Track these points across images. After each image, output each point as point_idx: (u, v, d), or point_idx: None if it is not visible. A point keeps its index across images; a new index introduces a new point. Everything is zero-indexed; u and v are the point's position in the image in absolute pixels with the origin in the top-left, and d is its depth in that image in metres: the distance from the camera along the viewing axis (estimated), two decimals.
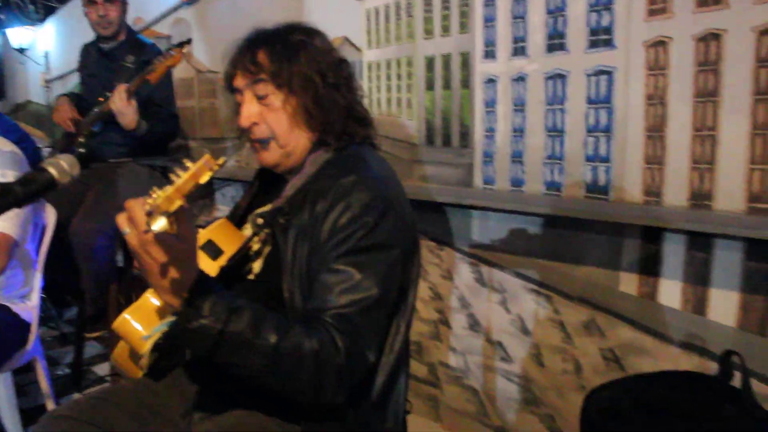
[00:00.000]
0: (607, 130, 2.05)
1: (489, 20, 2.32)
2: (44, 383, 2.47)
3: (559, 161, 2.19)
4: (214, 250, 1.45)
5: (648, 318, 2.06)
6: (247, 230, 1.56)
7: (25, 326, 2.28)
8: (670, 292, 2.00)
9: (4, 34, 6.12)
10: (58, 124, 3.25)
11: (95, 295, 3.01)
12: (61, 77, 5.86)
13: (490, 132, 2.38)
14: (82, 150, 3.17)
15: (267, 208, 1.52)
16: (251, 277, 1.48)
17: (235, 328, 1.17)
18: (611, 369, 2.17)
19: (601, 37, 2.03)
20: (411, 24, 2.61)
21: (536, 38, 2.19)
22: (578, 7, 2.07)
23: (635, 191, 2.01)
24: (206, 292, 1.16)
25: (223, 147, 3.96)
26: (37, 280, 2.39)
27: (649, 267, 2.04)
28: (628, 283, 2.10)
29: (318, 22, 3.05)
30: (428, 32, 2.55)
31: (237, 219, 1.62)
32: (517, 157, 2.31)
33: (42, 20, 5.98)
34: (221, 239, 1.48)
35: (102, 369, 3.47)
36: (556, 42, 2.14)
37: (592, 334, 2.22)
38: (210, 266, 1.42)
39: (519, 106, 2.28)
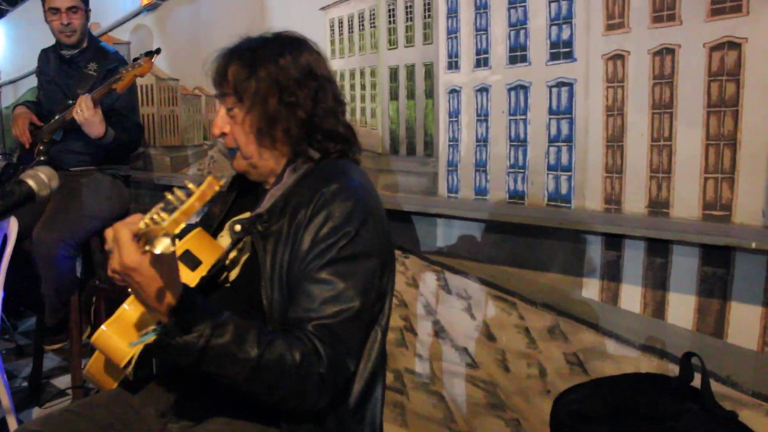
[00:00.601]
0: (569, 140, 2.12)
1: (452, 32, 2.38)
2: (5, 398, 2.44)
3: (521, 170, 2.26)
4: (192, 261, 1.45)
5: (610, 322, 2.13)
6: (224, 239, 1.58)
7: None
8: (631, 296, 2.07)
9: None
10: (16, 136, 3.19)
11: (56, 306, 2.96)
12: (11, 82, 5.74)
13: (453, 141, 2.43)
14: (42, 158, 3.12)
15: (245, 215, 1.54)
16: (227, 285, 1.51)
17: (220, 341, 1.20)
18: (575, 373, 2.24)
19: (561, 50, 2.10)
20: (375, 34, 2.66)
21: (498, 50, 2.26)
22: (539, 21, 2.14)
23: (596, 199, 2.08)
24: (190, 306, 1.19)
25: (184, 155, 3.94)
26: None
27: (611, 273, 2.12)
28: (591, 288, 2.17)
29: (280, 27, 3.12)
30: (392, 43, 2.60)
31: (212, 227, 1.64)
32: (480, 167, 2.36)
33: None
34: (199, 249, 1.49)
35: (62, 382, 3.43)
36: (518, 54, 2.21)
37: (556, 339, 2.29)
38: (189, 277, 1.43)
39: (482, 116, 2.33)
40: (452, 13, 2.37)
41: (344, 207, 1.37)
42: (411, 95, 2.56)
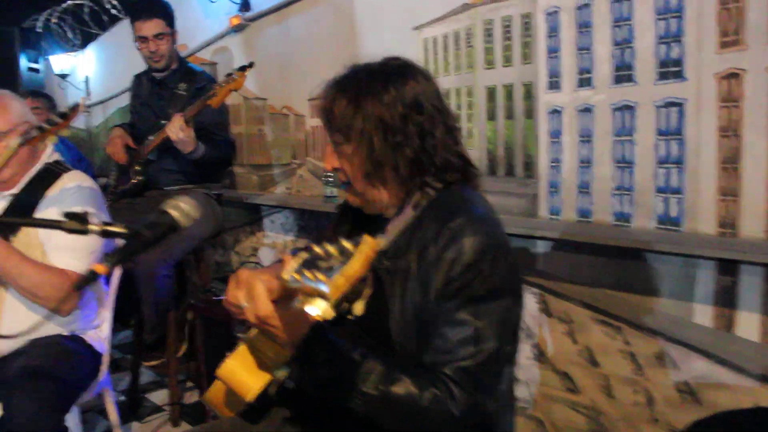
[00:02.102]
0: (679, 161, 2.10)
1: (553, 51, 2.39)
2: (114, 414, 2.55)
3: (628, 192, 2.25)
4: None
5: (724, 350, 2.09)
6: None
7: (98, 357, 2.36)
8: (748, 324, 2.03)
9: (46, 60, 6.32)
10: (111, 156, 3.35)
11: (155, 324, 3.09)
12: (101, 102, 6.03)
13: (555, 162, 2.44)
14: (139, 178, 3.27)
15: None
16: (350, 317, 1.51)
17: (345, 376, 1.25)
18: (686, 402, 2.21)
19: (670, 69, 2.09)
20: (471, 54, 2.69)
21: (602, 70, 2.26)
22: (646, 39, 2.13)
23: (709, 222, 2.06)
24: (322, 342, 1.25)
25: (271, 174, 4.07)
26: (109, 311, 2.47)
27: (725, 299, 2.08)
28: (703, 314, 2.14)
29: (371, 50, 3.18)
30: (489, 62, 2.63)
31: None
32: (584, 188, 2.36)
33: (82, 47, 6.17)
34: None
35: (156, 397, 3.56)
36: (623, 73, 2.20)
37: (665, 366, 2.26)
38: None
39: (585, 137, 2.34)
40: (553, 32, 2.38)
41: (474, 243, 1.33)
42: (510, 115, 2.58)
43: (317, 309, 0.97)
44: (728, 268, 2.06)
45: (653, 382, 2.30)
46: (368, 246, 1.00)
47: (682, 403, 2.22)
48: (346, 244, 1.01)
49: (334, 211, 3.11)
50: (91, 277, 1.10)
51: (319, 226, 3.74)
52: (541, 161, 2.49)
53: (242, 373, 1.43)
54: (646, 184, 2.19)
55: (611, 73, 2.24)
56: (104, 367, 2.40)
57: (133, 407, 3.42)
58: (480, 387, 1.31)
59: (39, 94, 4.20)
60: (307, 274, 0.99)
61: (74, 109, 2.07)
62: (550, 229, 2.46)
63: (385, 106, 1.42)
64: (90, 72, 6.24)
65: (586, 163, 2.35)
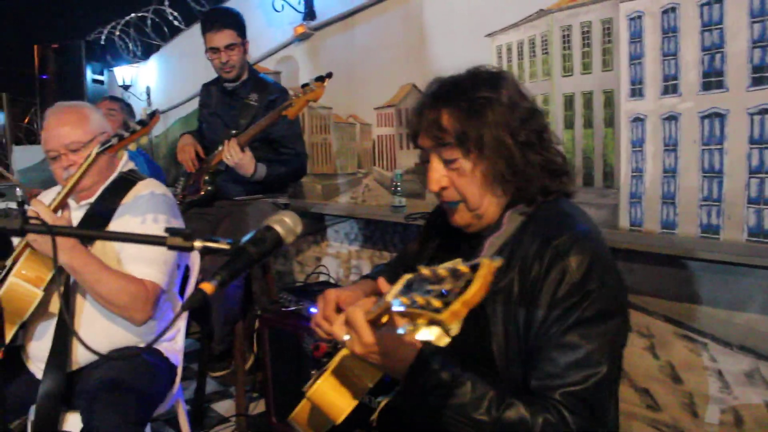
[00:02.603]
0: None
1: (636, 57, 2.34)
2: (185, 426, 2.58)
3: (716, 203, 2.18)
4: None
5: None
6: None
7: (173, 369, 2.38)
8: None
9: (110, 71, 6.49)
10: (182, 163, 3.39)
11: (223, 335, 3.12)
12: (162, 112, 6.15)
13: (637, 172, 2.38)
14: (209, 188, 3.31)
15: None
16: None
17: (457, 401, 1.23)
18: None
19: (765, 75, 2.02)
20: (547, 61, 2.66)
21: (690, 76, 2.20)
22: (739, 44, 2.06)
23: None
24: (431, 368, 1.22)
25: (335, 183, 4.08)
26: (183, 323, 2.50)
27: None
28: None
29: (442, 58, 3.19)
30: (567, 69, 2.59)
31: None
32: (668, 199, 2.30)
33: (144, 58, 6.32)
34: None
35: (222, 407, 3.59)
36: (712, 80, 2.14)
37: (756, 385, 2.18)
38: None
39: (670, 146, 2.28)
40: (635, 37, 2.33)
41: (581, 262, 1.30)
42: (588, 124, 2.54)
43: (431, 336, 0.92)
44: None
45: (742, 401, 2.22)
46: (487, 269, 0.93)
47: None
48: (460, 266, 0.95)
49: (403, 221, 3.13)
50: (199, 297, 1.09)
51: (384, 236, 3.74)
52: (622, 171, 2.43)
53: (333, 395, 1.42)
54: (737, 195, 2.12)
55: (699, 79, 2.17)
56: (178, 380, 2.43)
57: (198, 417, 3.45)
58: (592, 412, 1.27)
59: (116, 99, 4.31)
60: (418, 298, 0.95)
61: (153, 116, 2.10)
62: (632, 240, 2.39)
63: (507, 108, 1.40)
64: (151, 82, 6.38)
65: (670, 173, 2.29)
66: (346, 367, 1.45)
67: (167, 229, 1.18)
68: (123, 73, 6.39)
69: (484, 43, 2.92)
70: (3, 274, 2.12)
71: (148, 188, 2.32)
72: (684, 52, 2.21)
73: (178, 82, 5.92)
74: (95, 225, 2.22)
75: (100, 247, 2.18)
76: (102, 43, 6.45)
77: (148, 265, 2.17)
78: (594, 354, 1.27)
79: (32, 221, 1.30)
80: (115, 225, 2.22)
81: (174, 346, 2.45)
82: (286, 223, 1.23)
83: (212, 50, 3.32)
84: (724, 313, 2.23)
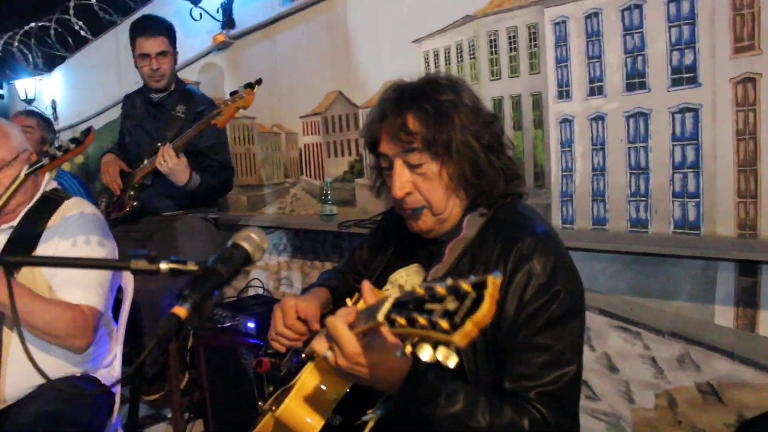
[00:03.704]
0: (695, 165, 2.17)
1: (562, 61, 2.45)
2: None
3: (644, 198, 2.30)
4: None
5: (747, 350, 2.15)
6: (391, 293, 1.60)
7: (111, 396, 2.30)
8: None
9: (11, 85, 6.20)
10: (107, 185, 3.30)
11: (156, 356, 3.05)
12: (70, 127, 5.94)
13: (567, 171, 2.49)
14: (134, 203, 3.22)
15: (414, 270, 1.55)
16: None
17: (451, 410, 1.23)
18: (709, 402, 2.26)
19: (684, 75, 2.15)
20: (475, 66, 2.74)
21: (614, 78, 2.32)
22: (658, 47, 2.19)
23: (728, 225, 2.12)
24: (424, 380, 1.23)
25: (261, 194, 4.06)
26: (119, 347, 2.43)
27: (746, 299, 2.14)
28: (724, 316, 2.20)
29: (367, 64, 3.23)
30: (495, 74, 2.68)
31: (371, 278, 1.61)
32: (598, 196, 2.42)
33: (48, 70, 6.08)
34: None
35: (156, 431, 3.51)
36: (635, 81, 2.27)
37: (687, 369, 2.31)
38: None
39: (598, 145, 2.39)
40: (561, 41, 2.44)
41: (545, 263, 1.34)
42: (518, 126, 2.63)
43: (439, 356, 0.92)
44: (749, 269, 2.12)
45: (674, 384, 2.35)
46: (494, 287, 0.91)
47: (704, 403, 2.27)
48: (463, 284, 0.92)
49: (335, 230, 3.13)
50: (173, 322, 1.07)
51: (315, 245, 3.73)
52: (552, 171, 2.54)
53: (303, 412, 1.42)
54: (662, 190, 2.25)
55: (623, 81, 2.30)
56: (116, 407, 2.35)
57: None
58: (566, 410, 1.32)
59: (32, 113, 4.12)
60: (419, 318, 0.93)
61: (87, 134, 2.02)
62: (564, 238, 2.48)
63: (471, 112, 1.42)
64: (57, 95, 6.14)
65: (599, 171, 2.41)
66: (314, 383, 1.45)
67: (129, 254, 1.15)
68: (25, 85, 6.12)
69: (411, 49, 2.97)
70: None
71: (77, 208, 2.22)
72: (608, 55, 2.33)
73: (86, 95, 5.73)
74: (21, 250, 2.09)
75: (27, 274, 2.07)
76: None
77: (84, 289, 2.07)
78: (565, 353, 1.32)
79: None
80: (44, 249, 2.11)
81: (111, 372, 2.37)
82: (253, 240, 1.21)
83: (142, 57, 3.25)
84: (655, 303, 2.35)
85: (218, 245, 3.36)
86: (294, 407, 1.42)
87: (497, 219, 1.46)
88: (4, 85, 6.17)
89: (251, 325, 2.90)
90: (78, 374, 2.19)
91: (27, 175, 2.02)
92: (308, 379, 1.45)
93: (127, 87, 4.62)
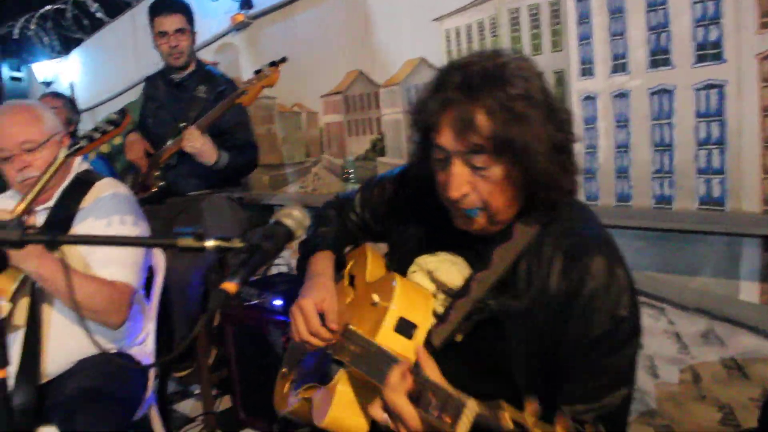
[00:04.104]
0: (720, 142, 2.18)
1: (584, 38, 2.45)
2: (160, 430, 2.59)
3: (668, 175, 2.32)
4: (407, 328, 1.41)
5: None
6: (418, 276, 1.53)
7: (145, 373, 2.38)
8: None
9: (29, 68, 6.26)
10: (133, 162, 3.34)
11: (185, 334, 3.11)
12: (88, 109, 5.98)
13: (590, 149, 2.50)
14: (160, 184, 3.27)
15: (448, 260, 1.49)
16: (455, 339, 1.42)
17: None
18: (734, 377, 2.29)
19: (708, 52, 2.16)
20: (497, 44, 2.75)
21: (638, 55, 2.32)
22: (683, 23, 2.19)
23: (753, 201, 2.13)
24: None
25: (282, 173, 4.09)
26: (152, 324, 2.49)
27: None
28: (749, 291, 2.22)
29: (388, 43, 3.24)
30: (516, 51, 2.68)
31: (398, 261, 1.59)
32: (622, 173, 2.43)
33: (65, 52, 6.11)
34: (409, 309, 1.44)
35: (184, 407, 3.59)
36: (659, 57, 2.27)
37: (711, 344, 2.34)
38: (408, 347, 1.40)
39: (622, 122, 2.40)
40: (584, 18, 2.44)
41: (610, 284, 1.27)
42: None
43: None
44: None
45: (699, 360, 2.38)
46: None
47: (729, 378, 2.30)
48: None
49: None
50: (223, 298, 1.12)
51: None
52: (576, 148, 2.54)
53: (349, 419, 1.47)
54: (687, 166, 2.27)
55: (647, 57, 2.30)
56: (151, 383, 2.42)
57: (164, 419, 3.43)
58: (620, 429, 1.30)
59: (58, 95, 4.18)
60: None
61: (124, 116, 2.06)
62: None
63: (548, 112, 1.26)
64: (75, 78, 6.19)
65: (623, 148, 2.42)
66: (350, 394, 1.48)
67: (176, 231, 1.19)
68: (43, 69, 6.17)
69: (432, 27, 2.98)
70: None
71: (110, 189, 2.29)
72: (631, 31, 2.33)
73: (104, 78, 5.77)
74: (57, 230, 2.16)
75: (66, 253, 2.14)
76: (15, 37, 6.21)
77: (120, 266, 2.15)
78: (623, 375, 1.29)
79: (28, 231, 1.28)
80: (79, 229, 2.18)
81: (144, 349, 2.44)
82: (295, 217, 1.26)
83: (161, 35, 3.29)
84: (680, 279, 2.38)
85: (243, 224, 3.41)
86: (337, 415, 1.46)
87: (556, 226, 1.36)
88: (23, 68, 6.22)
89: (278, 302, 2.96)
90: (113, 351, 2.27)
91: (68, 157, 2.07)
92: (344, 390, 1.48)
93: (145, 69, 4.64)
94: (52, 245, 1.30)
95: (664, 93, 2.28)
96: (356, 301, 1.65)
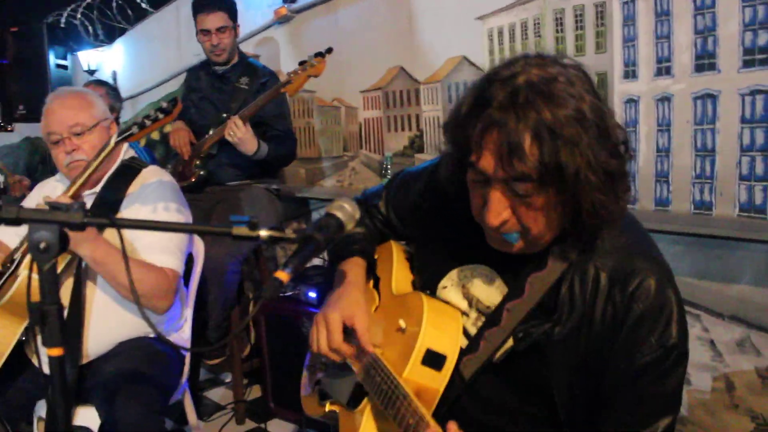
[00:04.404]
0: (765, 149, 2.15)
1: (629, 40, 2.45)
2: (193, 415, 2.64)
3: (709, 181, 2.30)
4: (436, 360, 1.37)
5: None
6: (450, 292, 1.46)
7: (182, 358, 2.43)
8: None
9: (74, 56, 6.37)
10: (176, 148, 3.40)
11: (220, 321, 3.16)
12: (130, 97, 6.08)
13: (631, 152, 2.49)
14: (201, 173, 3.33)
15: (484, 273, 1.41)
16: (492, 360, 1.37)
17: None
18: None
19: (757, 57, 2.14)
20: (539, 44, 2.75)
21: (683, 58, 2.31)
22: (731, 27, 2.18)
23: None
24: None
25: (320, 167, 4.13)
26: (190, 311, 2.54)
27: None
28: None
29: (430, 40, 3.25)
30: (559, 52, 2.68)
31: (427, 272, 1.53)
32: (662, 177, 2.42)
33: (109, 41, 6.22)
34: (437, 337, 1.38)
35: (215, 395, 3.65)
36: (705, 62, 2.26)
37: (746, 352, 2.32)
38: (437, 379, 1.37)
39: (663, 126, 2.39)
40: (629, 20, 2.44)
41: (661, 311, 1.21)
42: None
43: None
44: None
45: (733, 368, 2.36)
46: None
47: (763, 388, 2.28)
48: None
49: None
50: (278, 285, 1.14)
51: None
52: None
53: None
54: (729, 172, 2.25)
55: (692, 61, 2.29)
56: (186, 369, 2.47)
57: (195, 406, 3.49)
58: None
59: (102, 82, 4.27)
60: None
61: (175, 104, 2.09)
62: None
63: (600, 136, 1.13)
64: (117, 67, 6.29)
65: (663, 152, 2.41)
66: (376, 425, 1.48)
67: (231, 219, 1.22)
68: (87, 57, 6.28)
69: (475, 25, 2.99)
70: (12, 268, 2.14)
71: (156, 176, 2.34)
72: (677, 34, 2.32)
73: (146, 67, 5.86)
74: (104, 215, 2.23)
75: (111, 237, 2.17)
76: (62, 26, 6.33)
77: (167, 253, 2.20)
78: (669, 402, 1.25)
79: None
80: (126, 215, 2.23)
81: (182, 335, 2.49)
82: (346, 210, 1.28)
83: (203, 32, 3.35)
84: (717, 286, 2.36)
85: (280, 216, 3.46)
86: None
87: (599, 246, 1.26)
88: (68, 57, 6.32)
89: (312, 294, 2.99)
90: (151, 335, 2.31)
91: (118, 143, 2.12)
92: (369, 424, 1.48)
93: (187, 59, 4.73)
94: (112, 228, 1.32)
95: (708, 97, 2.27)
96: (382, 316, 1.59)
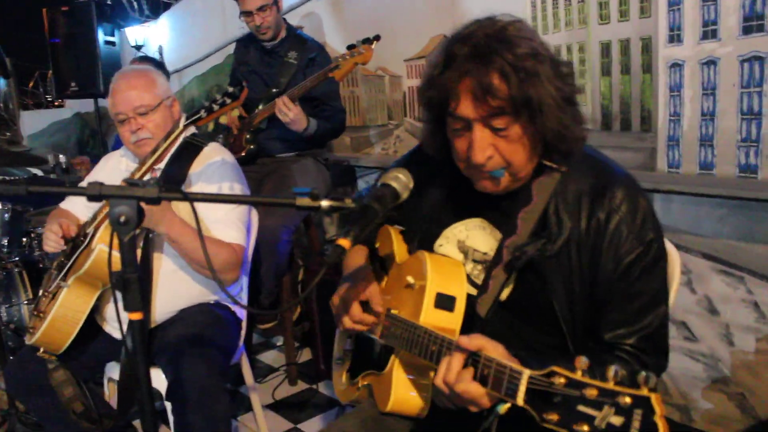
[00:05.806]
0: None
1: (674, 4, 2.43)
2: (249, 377, 2.75)
3: (755, 144, 2.30)
4: (447, 302, 1.47)
5: None
6: (446, 248, 1.59)
7: (239, 322, 2.54)
8: None
9: (122, 32, 6.50)
10: (227, 124, 3.49)
11: (272, 288, 3.26)
12: (176, 71, 6.19)
13: (675, 116, 2.49)
14: (251, 147, 3.42)
15: (477, 225, 1.55)
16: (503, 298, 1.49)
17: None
18: None
19: None
20: (583, 9, 2.74)
21: (730, 21, 2.29)
22: None
23: None
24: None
25: (365, 135, 4.19)
26: (246, 279, 2.64)
27: None
28: None
29: (473, 8, 3.26)
30: (603, 17, 2.68)
31: (421, 239, 1.64)
32: (706, 141, 2.42)
33: (155, 17, 6.33)
34: (445, 282, 1.49)
35: (267, 358, 3.78)
36: (753, 24, 2.24)
37: None
38: (452, 320, 1.47)
39: (708, 90, 2.38)
40: None
41: (635, 212, 1.37)
42: (626, 70, 2.64)
43: None
44: None
45: None
46: (660, 407, 0.91)
47: None
48: (622, 397, 0.94)
49: None
50: (341, 252, 1.20)
51: None
52: (660, 115, 2.54)
53: (410, 404, 1.54)
54: None
55: (740, 23, 2.27)
56: (243, 333, 2.57)
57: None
58: (661, 349, 1.40)
59: (148, 58, 4.37)
60: (583, 428, 0.98)
61: (242, 89, 2.16)
62: (670, 182, 2.52)
63: (553, 66, 1.31)
64: (163, 42, 6.40)
65: (708, 116, 2.40)
66: (404, 377, 1.55)
67: (294, 191, 1.28)
68: (134, 33, 6.42)
69: None
70: (86, 242, 2.24)
71: (218, 154, 2.42)
72: None
73: (191, 41, 5.96)
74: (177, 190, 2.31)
75: (183, 214, 2.24)
76: (109, 3, 6.45)
77: (234, 228, 2.30)
78: (657, 295, 1.39)
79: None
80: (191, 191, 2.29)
81: (240, 301, 2.59)
82: (401, 180, 1.34)
83: (245, 14, 3.39)
84: (761, 249, 2.36)
85: (329, 184, 3.54)
86: (399, 400, 1.54)
87: (574, 173, 1.43)
88: (116, 33, 6.45)
89: None
90: (212, 302, 2.43)
91: (187, 126, 2.20)
92: (399, 375, 1.55)
93: (232, 32, 4.79)
94: (184, 201, 1.39)
95: (755, 60, 2.25)
96: (391, 284, 1.71)
